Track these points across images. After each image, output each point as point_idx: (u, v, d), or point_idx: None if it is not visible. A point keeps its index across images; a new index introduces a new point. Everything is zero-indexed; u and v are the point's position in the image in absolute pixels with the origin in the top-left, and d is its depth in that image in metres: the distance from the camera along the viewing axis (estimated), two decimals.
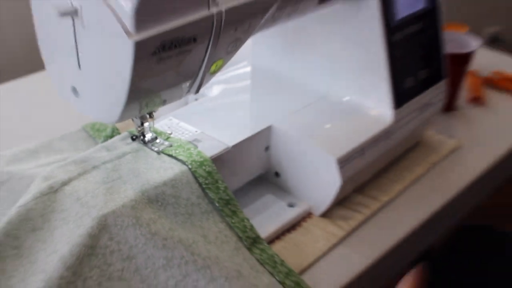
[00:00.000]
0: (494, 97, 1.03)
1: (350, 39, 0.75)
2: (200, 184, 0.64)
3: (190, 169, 0.64)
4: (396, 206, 0.76)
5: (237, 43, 0.60)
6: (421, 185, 0.80)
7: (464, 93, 1.02)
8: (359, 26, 0.74)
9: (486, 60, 1.13)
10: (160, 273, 0.57)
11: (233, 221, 0.64)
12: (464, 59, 0.93)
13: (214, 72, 0.61)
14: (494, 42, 2.35)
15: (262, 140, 0.72)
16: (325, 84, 0.80)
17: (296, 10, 0.66)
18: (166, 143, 0.67)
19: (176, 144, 0.67)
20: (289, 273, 0.62)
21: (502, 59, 1.17)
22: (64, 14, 0.51)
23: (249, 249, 0.63)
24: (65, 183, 0.61)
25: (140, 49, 0.50)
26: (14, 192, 0.69)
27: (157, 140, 0.67)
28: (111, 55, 0.51)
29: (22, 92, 1.02)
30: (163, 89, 0.56)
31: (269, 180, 0.77)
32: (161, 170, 0.63)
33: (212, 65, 0.59)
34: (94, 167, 0.63)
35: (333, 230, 0.71)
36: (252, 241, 0.64)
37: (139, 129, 0.66)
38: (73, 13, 0.52)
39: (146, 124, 0.66)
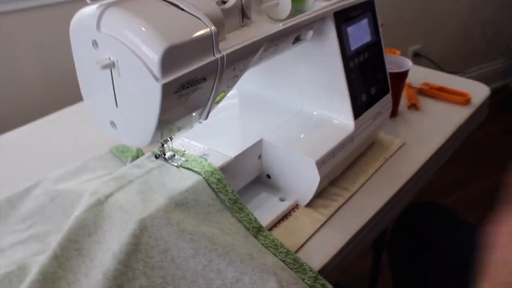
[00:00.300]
0: (426, 103, 1.08)
1: (317, 67, 0.79)
2: (213, 189, 0.67)
3: (204, 177, 0.67)
4: (362, 194, 0.80)
5: (235, 79, 0.64)
6: (379, 176, 0.84)
7: (404, 101, 1.07)
8: (323, 57, 0.78)
9: (415, 74, 1.18)
10: (190, 261, 0.59)
11: (241, 215, 0.67)
12: (402, 76, 0.97)
13: (218, 102, 0.64)
14: (416, 57, 2.42)
15: (255, 150, 0.76)
16: (298, 103, 0.84)
17: (276, 49, 0.70)
18: (183, 158, 0.70)
19: (191, 159, 0.70)
20: (287, 252, 0.65)
21: (426, 72, 1.22)
22: (104, 67, 0.54)
23: (255, 237, 0.66)
24: (108, 196, 0.63)
25: (166, 90, 0.53)
26: (64, 205, 0.71)
27: (175, 157, 0.70)
28: (142, 95, 0.54)
29: (58, 124, 1.03)
30: (181, 118, 0.60)
31: (262, 181, 0.80)
32: (182, 180, 0.66)
33: (217, 97, 0.62)
34: (130, 181, 0.66)
35: (317, 216, 0.74)
36: (257, 230, 0.67)
37: (160, 149, 0.69)
38: (111, 66, 0.54)
39: (165, 145, 0.69)
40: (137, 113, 0.56)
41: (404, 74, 0.97)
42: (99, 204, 0.62)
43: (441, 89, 1.10)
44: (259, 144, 0.76)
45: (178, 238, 0.60)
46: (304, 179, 0.74)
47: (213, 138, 0.76)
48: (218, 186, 0.67)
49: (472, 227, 0.92)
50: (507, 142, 2.36)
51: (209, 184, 0.67)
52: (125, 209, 0.61)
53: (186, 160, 0.69)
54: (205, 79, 0.57)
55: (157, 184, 0.65)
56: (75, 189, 0.72)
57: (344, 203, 0.77)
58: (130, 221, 0.60)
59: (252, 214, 0.68)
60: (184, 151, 0.72)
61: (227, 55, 0.58)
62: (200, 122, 0.80)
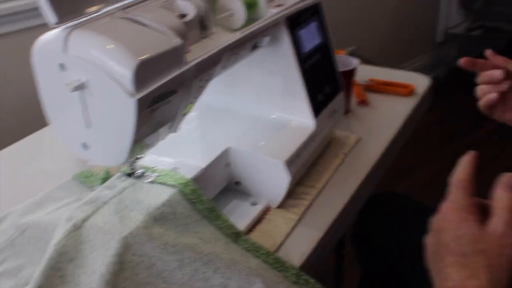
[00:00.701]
0: (374, 98, 1.13)
1: (273, 72, 0.82)
2: (188, 200, 0.68)
3: (179, 190, 0.68)
4: (329, 189, 0.83)
5: (201, 89, 0.66)
6: (341, 171, 0.88)
7: (353, 99, 1.12)
8: (278, 62, 0.81)
9: (360, 72, 1.23)
10: (176, 273, 0.60)
11: (219, 223, 0.69)
12: (350, 74, 1.02)
13: (186, 113, 0.66)
14: (352, 55, 2.51)
15: (223, 159, 0.77)
16: (257, 109, 0.86)
17: (237, 58, 0.72)
18: (154, 174, 0.70)
19: (162, 174, 0.70)
20: (268, 253, 0.67)
21: (370, 69, 1.28)
22: (76, 89, 0.54)
23: (236, 242, 0.68)
24: (85, 220, 0.63)
25: (140, 104, 0.54)
26: (35, 237, 0.70)
27: (146, 174, 0.71)
28: (117, 113, 0.55)
29: (20, 153, 1.00)
30: (154, 132, 0.61)
31: (232, 188, 0.81)
32: (157, 195, 0.67)
33: (185, 108, 0.64)
34: (104, 203, 0.66)
35: (290, 216, 0.77)
36: (236, 235, 0.69)
37: (131, 167, 0.70)
38: (82, 87, 0.55)
39: (135, 163, 0.70)
40: (112, 131, 0.57)
41: (352, 72, 1.02)
42: (77, 229, 0.62)
43: (386, 83, 1.16)
44: (226, 152, 0.77)
45: (162, 252, 0.61)
46: (273, 181, 0.77)
47: (181, 151, 0.77)
48: (193, 197, 0.68)
49: (431, 210, 0.97)
50: (443, 130, 2.49)
51: (184, 196, 0.68)
52: (104, 230, 0.61)
53: (158, 175, 0.70)
54: (175, 92, 0.59)
55: (132, 202, 0.66)
56: (44, 220, 0.71)
57: (313, 200, 0.80)
58: (112, 240, 0.60)
59: (229, 221, 0.69)
60: (154, 167, 0.72)
61: (194, 65, 0.60)
62: (164, 139, 0.81)
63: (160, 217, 0.64)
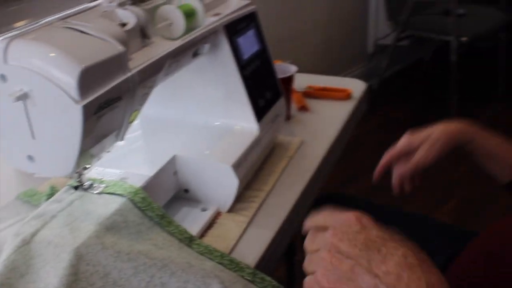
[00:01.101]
0: (314, 104, 1.17)
1: (214, 80, 0.84)
2: (139, 208, 0.68)
3: (128, 198, 0.68)
4: (276, 192, 0.85)
5: (146, 96, 0.67)
6: (287, 174, 0.90)
7: (293, 105, 1.15)
8: (219, 69, 0.83)
9: (298, 80, 1.27)
10: (132, 280, 0.60)
11: (171, 229, 0.69)
12: (289, 80, 1.06)
13: (132, 121, 0.66)
14: None
15: (170, 167, 0.78)
16: (201, 116, 0.88)
17: (178, 65, 0.74)
18: (102, 185, 0.70)
19: (111, 184, 0.70)
20: (222, 255, 0.69)
21: (307, 77, 1.32)
22: (18, 99, 0.54)
23: (189, 246, 0.69)
24: (34, 234, 0.62)
25: (86, 111, 0.54)
26: None
27: (94, 185, 0.70)
28: (63, 121, 0.55)
29: None
30: (101, 140, 0.61)
31: (181, 196, 0.82)
32: (107, 205, 0.67)
33: (131, 116, 0.64)
34: (53, 217, 0.65)
35: (240, 219, 0.78)
36: (189, 240, 0.69)
37: (78, 180, 0.69)
38: (25, 97, 0.55)
39: (83, 175, 0.69)
40: (58, 141, 0.57)
41: (291, 78, 1.06)
42: (26, 244, 0.61)
43: (324, 89, 1.20)
44: (172, 160, 0.78)
45: (116, 260, 0.61)
46: (222, 186, 0.78)
47: (127, 162, 0.78)
48: (143, 205, 0.68)
49: (380, 208, 1.02)
50: (380, 137, 2.58)
51: (134, 204, 0.68)
52: (54, 243, 0.61)
53: (107, 186, 0.70)
54: (120, 98, 0.59)
55: (82, 214, 0.65)
56: None
57: (262, 202, 0.82)
58: (63, 253, 0.59)
59: (181, 226, 0.70)
60: (102, 178, 0.72)
61: (138, 72, 0.61)
62: (108, 151, 0.81)
63: (112, 226, 0.64)
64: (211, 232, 0.76)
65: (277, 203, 0.83)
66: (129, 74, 0.60)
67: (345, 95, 1.17)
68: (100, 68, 0.56)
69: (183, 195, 0.82)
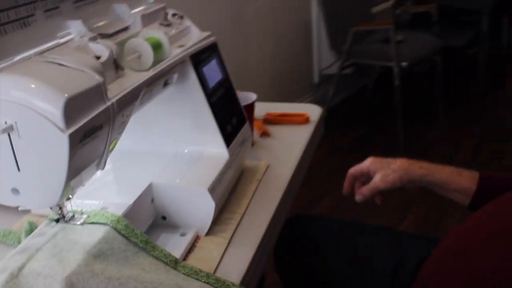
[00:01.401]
0: (274, 129, 1.21)
1: (183, 108, 0.87)
2: (123, 235, 0.69)
3: (112, 227, 0.69)
4: (250, 213, 0.88)
5: (124, 125, 0.69)
6: (258, 196, 0.93)
7: (255, 132, 1.19)
8: (187, 98, 0.86)
9: (256, 109, 1.32)
10: None
11: (156, 253, 0.70)
12: (250, 107, 1.10)
13: (112, 149, 0.68)
14: None
15: (148, 195, 0.80)
16: (172, 145, 0.90)
17: (151, 93, 0.76)
18: (84, 216, 0.71)
19: (92, 214, 0.71)
20: (208, 275, 0.70)
21: (265, 105, 1.36)
22: (3, 132, 0.55)
23: (175, 269, 0.70)
24: (21, 268, 0.62)
25: (72, 140, 0.56)
26: None
27: (76, 217, 0.71)
28: (48, 152, 0.57)
29: None
30: (84, 169, 0.62)
31: (159, 224, 0.83)
32: (91, 234, 0.68)
33: (111, 144, 0.66)
34: (38, 250, 0.65)
35: (219, 240, 0.80)
36: (174, 262, 0.71)
37: (59, 212, 0.70)
38: (9, 130, 0.56)
39: (63, 208, 0.70)
40: (44, 171, 0.58)
41: (252, 105, 1.10)
42: (13, 277, 0.61)
43: (282, 115, 1.25)
44: (149, 188, 0.80)
45: (107, 285, 0.61)
46: (199, 209, 0.80)
47: (103, 193, 0.79)
48: (127, 232, 0.70)
49: (348, 223, 1.07)
50: (332, 162, 2.66)
51: (118, 232, 0.69)
52: (43, 275, 0.61)
53: (88, 216, 0.71)
54: (101, 127, 0.62)
55: (67, 244, 0.66)
56: None
57: (238, 224, 0.85)
58: (54, 283, 0.60)
59: (165, 250, 0.72)
60: (82, 209, 0.73)
61: (116, 101, 0.63)
62: (83, 185, 0.82)
63: (99, 254, 0.65)
64: (193, 255, 0.78)
65: (252, 223, 0.85)
66: (108, 103, 0.62)
67: (303, 119, 1.22)
68: (82, 98, 0.58)
69: (161, 222, 0.83)
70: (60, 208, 0.70)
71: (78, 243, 0.66)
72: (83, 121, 0.57)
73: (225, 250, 0.79)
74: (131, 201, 0.75)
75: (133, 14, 0.83)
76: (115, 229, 0.69)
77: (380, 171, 0.96)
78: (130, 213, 0.74)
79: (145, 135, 0.91)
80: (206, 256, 0.77)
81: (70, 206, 0.71)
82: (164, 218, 0.83)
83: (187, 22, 0.93)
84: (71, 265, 0.62)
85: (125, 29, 0.82)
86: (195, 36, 0.92)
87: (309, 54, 3.18)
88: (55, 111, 0.55)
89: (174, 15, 0.93)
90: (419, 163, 0.95)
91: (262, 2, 2.69)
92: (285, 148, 1.12)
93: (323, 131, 1.29)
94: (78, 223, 0.70)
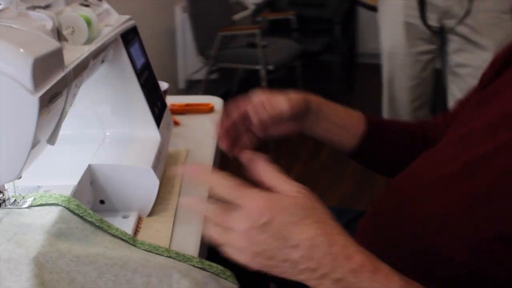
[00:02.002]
0: (182, 119, 1.21)
1: (114, 88, 0.84)
2: (77, 215, 0.65)
3: (64, 207, 0.65)
4: (185, 190, 0.88)
5: (74, 97, 0.65)
6: (187, 178, 0.93)
7: None
8: (118, 78, 0.83)
9: None
10: (99, 281, 0.58)
11: (113, 231, 0.67)
12: (164, 94, 1.09)
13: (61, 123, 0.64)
14: None
15: (87, 177, 0.75)
16: (102, 127, 0.86)
17: (93, 68, 0.73)
18: (29, 199, 0.65)
19: (38, 197, 0.66)
20: (168, 250, 0.69)
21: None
22: None
23: (135, 246, 0.67)
24: None
25: (41, 103, 0.52)
26: None
27: (18, 201, 0.65)
28: (13, 117, 0.52)
29: None
30: (45, 137, 0.58)
31: (97, 209, 0.78)
32: (44, 216, 0.63)
33: (64, 115, 0.62)
34: None
35: (164, 220, 0.79)
36: (132, 240, 0.68)
37: (0, 196, 0.63)
38: None
39: (4, 192, 0.64)
40: (7, 141, 0.53)
41: (165, 93, 1.09)
42: None
43: (188, 105, 1.25)
44: (88, 170, 0.76)
45: (77, 264, 0.58)
46: (141, 189, 0.78)
47: (40, 177, 0.73)
48: (80, 211, 0.66)
49: None
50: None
51: (71, 211, 0.65)
52: (4, 259, 0.55)
53: (35, 199, 0.65)
54: (61, 94, 0.58)
55: (20, 228, 0.60)
56: None
57: (177, 203, 0.84)
58: (21, 265, 0.54)
59: (120, 229, 0.69)
60: (22, 195, 0.67)
61: (73, 69, 0.60)
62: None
63: (60, 233, 0.60)
64: (141, 236, 0.75)
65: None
66: (67, 70, 0.58)
67: (208, 108, 1.24)
68: (46, 61, 0.54)
69: (99, 207, 0.79)
70: (1, 192, 0.63)
71: (32, 225, 0.61)
72: (48, 85, 0.53)
73: (173, 228, 0.77)
74: (75, 183, 0.71)
75: None
76: (68, 209, 0.65)
77: (277, 95, 0.77)
78: (75, 195, 0.70)
79: (74, 117, 0.85)
80: (156, 236, 0.75)
81: (13, 189, 0.65)
82: (102, 202, 0.79)
83: (106, 5, 0.90)
84: (34, 246, 0.57)
85: (48, 6, 0.77)
86: (115, 18, 0.89)
87: (173, 61, 3.18)
88: (24, 72, 0.50)
89: None
90: (314, 95, 0.82)
91: (124, 9, 2.64)
92: (198, 135, 1.13)
93: None
94: (24, 206, 0.64)
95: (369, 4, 2.95)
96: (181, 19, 3.08)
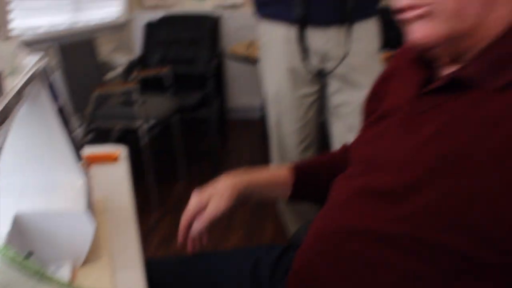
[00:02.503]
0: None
1: (36, 129, 0.77)
2: (17, 264, 0.57)
3: (1, 255, 0.56)
4: (114, 237, 0.82)
5: (7, 134, 0.58)
6: (112, 222, 0.87)
7: None
8: (40, 119, 0.76)
9: None
10: None
11: (56, 283, 0.60)
12: None
13: None
14: None
15: (15, 229, 0.67)
16: (23, 173, 0.78)
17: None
18: None
19: None
20: None
21: None
22: None
23: None
24: None
25: None
26: None
27: None
28: None
29: None
30: None
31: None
32: None
33: None
34: None
35: (101, 266, 0.73)
36: None
37: None
38: None
39: None
40: None
41: None
42: None
43: (92, 157, 1.18)
44: (15, 221, 0.67)
45: None
46: (76, 236, 0.71)
47: None
48: (18, 262, 0.58)
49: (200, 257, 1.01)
50: None
51: (10, 261, 0.57)
52: None
53: None
54: (3, 123, 0.52)
55: None
56: None
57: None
58: None
59: (61, 279, 0.62)
60: None
61: (13, 97, 0.54)
62: None
63: (3, 285, 0.52)
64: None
65: (124, 246, 0.79)
66: (8, 98, 0.53)
67: (115, 157, 1.19)
68: None
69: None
70: None
71: None
72: None
73: (113, 275, 0.71)
74: (1, 238, 0.63)
75: None
76: (6, 257, 0.57)
77: (211, 200, 0.88)
78: None
79: None
80: (96, 283, 0.68)
81: None
82: (30, 254, 0.70)
83: (17, 41, 0.84)
84: None
85: None
86: (27, 55, 0.83)
87: None
88: None
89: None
90: (239, 174, 0.93)
91: None
92: (113, 183, 1.07)
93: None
94: None
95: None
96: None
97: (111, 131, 3.16)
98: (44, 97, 0.76)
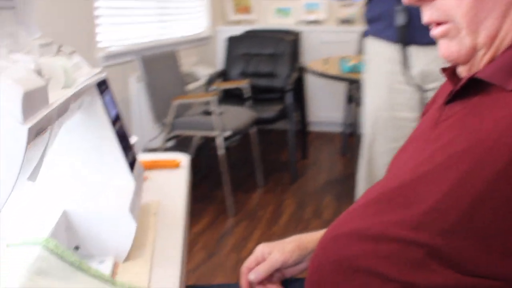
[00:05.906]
0: (149, 174, 1.21)
1: (90, 135, 0.84)
2: (56, 254, 0.64)
3: (43, 246, 0.63)
4: (159, 238, 0.87)
5: (55, 136, 0.65)
6: (160, 225, 0.93)
7: None
8: (94, 125, 0.84)
9: None
10: None
11: (92, 272, 0.66)
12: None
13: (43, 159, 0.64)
14: None
15: (62, 224, 0.74)
16: (76, 175, 0.85)
17: (72, 112, 0.73)
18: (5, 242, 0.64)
19: (13, 242, 0.64)
20: None
21: None
22: None
23: (115, 286, 0.66)
24: None
25: (30, 133, 0.52)
26: None
27: None
28: (2, 146, 0.52)
29: None
30: (28, 172, 0.57)
31: None
32: (21, 256, 0.61)
33: (45, 154, 0.62)
34: None
35: (141, 263, 0.77)
36: (111, 282, 0.67)
37: None
38: None
39: None
40: None
41: (133, 146, 1.10)
42: None
43: (153, 162, 1.26)
44: (63, 216, 0.74)
45: None
46: (119, 234, 0.77)
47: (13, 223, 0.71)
48: (59, 251, 0.64)
49: None
50: None
51: (50, 251, 0.63)
52: None
53: (10, 243, 0.64)
54: (45, 130, 0.58)
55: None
56: None
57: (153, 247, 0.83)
58: None
59: (99, 270, 0.67)
60: None
61: (57, 107, 0.61)
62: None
63: (40, 272, 0.59)
64: (118, 280, 0.73)
65: (165, 247, 0.84)
66: (51, 108, 0.59)
67: (175, 164, 1.25)
68: (33, 96, 0.55)
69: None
70: None
71: (10, 265, 0.59)
72: (36, 119, 0.54)
73: (150, 272, 0.76)
74: (48, 230, 0.69)
75: (30, 41, 0.80)
76: (46, 248, 0.63)
77: (275, 248, 0.86)
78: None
79: (48, 164, 0.84)
80: (134, 279, 0.74)
81: None
82: (77, 248, 0.77)
83: (78, 57, 0.92)
84: (13, 283, 0.55)
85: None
86: (87, 70, 0.91)
87: (129, 129, 3.18)
88: (14, 103, 0.51)
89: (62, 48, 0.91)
90: (303, 235, 0.89)
91: None
92: (167, 188, 1.13)
93: (193, 177, 1.33)
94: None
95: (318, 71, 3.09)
96: (136, 88, 3.12)
97: (191, 139, 3.30)
98: (99, 108, 0.83)
